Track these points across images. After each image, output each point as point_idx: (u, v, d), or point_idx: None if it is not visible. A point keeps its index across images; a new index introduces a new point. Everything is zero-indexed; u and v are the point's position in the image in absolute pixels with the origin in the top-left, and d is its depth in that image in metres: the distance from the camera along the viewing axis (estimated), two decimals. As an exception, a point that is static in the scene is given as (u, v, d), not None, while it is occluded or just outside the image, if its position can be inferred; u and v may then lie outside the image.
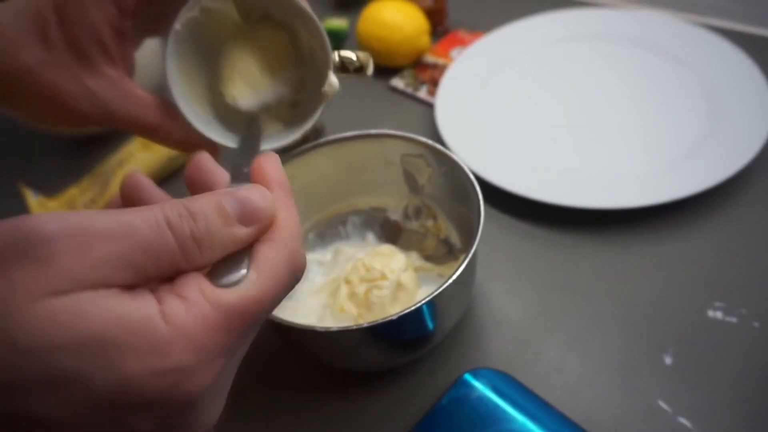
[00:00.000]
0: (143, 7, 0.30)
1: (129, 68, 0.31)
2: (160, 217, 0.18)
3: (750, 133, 0.49)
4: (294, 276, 0.20)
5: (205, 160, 0.23)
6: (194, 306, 0.18)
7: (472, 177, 0.38)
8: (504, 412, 0.36)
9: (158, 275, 0.18)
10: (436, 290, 0.33)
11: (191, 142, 0.31)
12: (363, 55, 0.33)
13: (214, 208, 0.19)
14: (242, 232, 0.19)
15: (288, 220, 0.21)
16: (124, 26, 0.29)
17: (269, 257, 0.19)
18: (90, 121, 0.30)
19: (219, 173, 0.23)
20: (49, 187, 0.58)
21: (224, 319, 0.18)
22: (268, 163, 0.22)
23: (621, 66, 0.60)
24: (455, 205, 0.42)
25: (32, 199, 0.57)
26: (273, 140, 0.32)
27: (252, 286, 0.19)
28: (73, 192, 0.59)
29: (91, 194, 0.62)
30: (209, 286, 0.18)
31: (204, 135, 0.31)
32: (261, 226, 0.20)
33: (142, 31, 0.33)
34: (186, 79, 0.32)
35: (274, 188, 0.21)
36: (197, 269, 0.19)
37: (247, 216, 0.19)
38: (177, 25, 0.30)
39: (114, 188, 0.60)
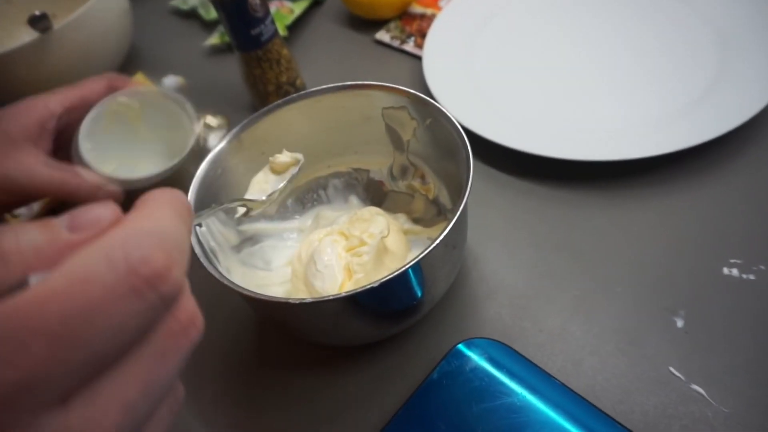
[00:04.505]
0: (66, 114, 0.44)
1: (47, 149, 0.43)
2: None
3: (765, 75, 0.44)
4: (119, 271, 0.15)
5: None
6: None
7: (458, 126, 0.34)
8: (501, 384, 0.33)
9: None
10: (421, 253, 0.30)
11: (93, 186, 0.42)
12: (221, 121, 0.47)
13: (38, 224, 0.16)
14: (63, 236, 0.16)
15: (137, 219, 0.17)
16: (49, 124, 0.43)
17: (79, 255, 0.15)
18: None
19: None
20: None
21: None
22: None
23: (622, 9, 0.55)
24: (443, 162, 0.38)
25: None
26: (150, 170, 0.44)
27: (37, 288, 0.15)
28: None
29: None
30: None
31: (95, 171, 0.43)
32: (90, 231, 0.16)
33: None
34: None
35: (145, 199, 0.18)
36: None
37: (75, 224, 0.16)
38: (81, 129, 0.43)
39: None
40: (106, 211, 0.17)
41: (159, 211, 0.17)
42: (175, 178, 0.44)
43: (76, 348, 0.14)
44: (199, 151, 0.46)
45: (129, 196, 0.46)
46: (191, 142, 0.45)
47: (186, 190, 0.36)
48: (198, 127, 0.46)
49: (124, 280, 0.15)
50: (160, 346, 0.16)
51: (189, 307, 0.17)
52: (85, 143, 0.43)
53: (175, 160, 0.44)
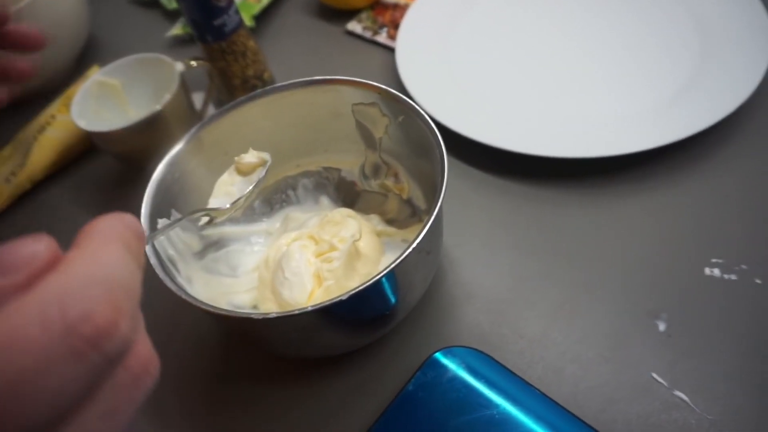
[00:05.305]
0: None
1: None
2: None
3: (746, 69, 0.43)
4: (55, 332, 0.13)
5: None
6: None
7: (431, 124, 0.32)
8: (480, 396, 0.31)
9: None
10: (393, 262, 0.28)
11: None
12: (202, 63, 0.49)
13: None
14: None
15: (78, 261, 0.14)
16: None
17: (6, 312, 0.13)
18: None
19: None
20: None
21: None
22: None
23: (603, 1, 0.54)
24: (417, 160, 0.36)
25: None
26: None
27: None
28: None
29: (11, 166, 0.54)
30: None
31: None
32: (21, 274, 0.14)
33: None
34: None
35: (84, 237, 0.16)
36: None
37: (2, 265, 0.14)
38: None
39: (35, 156, 0.53)
40: (40, 247, 0.14)
41: (104, 247, 0.15)
42: (160, 137, 0.44)
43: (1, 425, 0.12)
44: (185, 112, 0.47)
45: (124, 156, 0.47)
46: (175, 84, 0.45)
47: (164, 152, 0.36)
48: (179, 66, 0.47)
49: (60, 342, 0.13)
50: (109, 402, 0.14)
51: (142, 353, 0.15)
52: (80, 121, 0.45)
53: (159, 104, 0.44)
